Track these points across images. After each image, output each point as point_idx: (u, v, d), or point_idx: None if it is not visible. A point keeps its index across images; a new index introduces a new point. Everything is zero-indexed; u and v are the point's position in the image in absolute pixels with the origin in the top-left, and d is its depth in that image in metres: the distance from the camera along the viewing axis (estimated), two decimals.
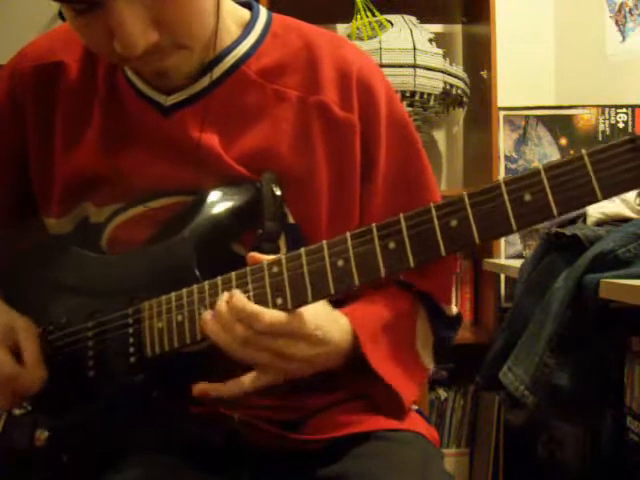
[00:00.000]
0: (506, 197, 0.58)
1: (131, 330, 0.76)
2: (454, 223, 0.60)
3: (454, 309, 0.91)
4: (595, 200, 0.54)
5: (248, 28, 0.85)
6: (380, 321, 0.81)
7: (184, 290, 0.73)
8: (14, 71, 0.87)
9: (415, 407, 0.91)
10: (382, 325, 0.81)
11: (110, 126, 0.83)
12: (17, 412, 0.81)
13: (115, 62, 0.81)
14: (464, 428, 2.02)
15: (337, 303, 0.77)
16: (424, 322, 0.88)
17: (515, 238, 1.94)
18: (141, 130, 0.82)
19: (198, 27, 0.75)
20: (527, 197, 0.57)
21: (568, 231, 1.21)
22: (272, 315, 0.67)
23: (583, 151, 0.55)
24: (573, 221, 1.32)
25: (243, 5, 0.88)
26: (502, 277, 1.99)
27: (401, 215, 0.63)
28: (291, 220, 0.82)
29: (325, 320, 0.72)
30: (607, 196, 0.53)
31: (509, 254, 1.96)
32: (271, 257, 0.70)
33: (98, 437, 0.78)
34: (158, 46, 0.72)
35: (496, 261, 1.88)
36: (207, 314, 0.69)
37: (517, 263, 1.50)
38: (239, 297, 0.68)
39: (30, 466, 0.80)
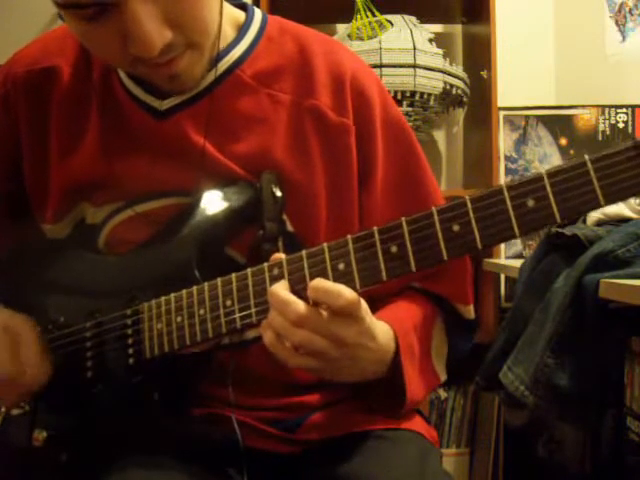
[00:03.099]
0: (509, 202, 0.57)
1: (130, 331, 0.76)
2: (456, 228, 0.59)
3: (472, 311, 0.90)
4: (597, 206, 0.54)
5: (243, 31, 0.85)
6: (414, 332, 0.80)
7: (184, 291, 0.73)
8: (6, 76, 0.86)
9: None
10: (417, 338, 0.80)
11: (107, 130, 0.82)
12: (15, 412, 0.81)
13: (125, 68, 0.80)
14: (464, 428, 2.02)
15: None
16: (440, 332, 0.88)
17: None
18: (137, 134, 0.82)
19: (207, 23, 0.75)
20: (530, 203, 0.57)
21: (568, 231, 1.20)
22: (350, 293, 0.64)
23: (586, 157, 0.55)
24: (573, 221, 1.32)
25: (238, 7, 0.88)
26: (502, 277, 1.99)
27: (403, 219, 0.62)
28: (289, 227, 0.82)
29: (371, 318, 0.70)
30: (609, 202, 0.53)
31: (509, 254, 1.96)
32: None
33: (97, 438, 0.78)
34: (171, 46, 0.72)
35: (496, 261, 1.88)
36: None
37: (517, 263, 1.50)
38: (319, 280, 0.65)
39: (29, 466, 0.80)
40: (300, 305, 0.65)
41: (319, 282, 0.65)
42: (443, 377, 0.87)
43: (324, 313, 0.65)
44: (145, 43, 0.69)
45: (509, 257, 1.96)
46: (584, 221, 1.33)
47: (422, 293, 0.88)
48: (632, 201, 1.26)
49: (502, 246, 1.94)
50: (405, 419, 0.85)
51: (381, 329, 0.73)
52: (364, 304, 0.67)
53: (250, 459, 0.79)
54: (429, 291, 0.88)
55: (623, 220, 1.25)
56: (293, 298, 0.65)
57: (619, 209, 1.28)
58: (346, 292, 0.64)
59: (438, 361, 0.86)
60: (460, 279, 0.90)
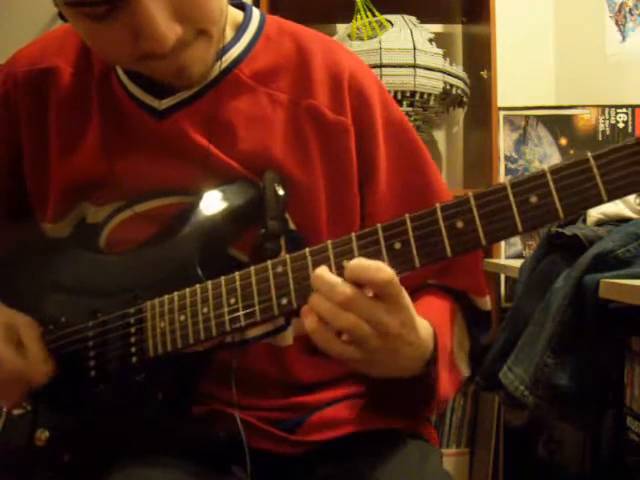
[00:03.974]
0: (512, 199, 0.57)
1: (133, 330, 0.76)
2: (460, 224, 0.60)
3: (488, 303, 0.90)
4: (600, 202, 0.55)
5: (241, 30, 0.85)
6: (447, 332, 0.78)
7: (187, 290, 0.73)
8: (7, 76, 0.86)
9: None
10: (449, 337, 0.78)
11: (107, 130, 0.82)
12: (16, 412, 0.81)
13: (131, 65, 0.79)
14: (464, 428, 2.02)
15: None
16: (462, 328, 0.87)
17: (515, 238, 1.94)
18: (137, 133, 0.82)
19: (216, 16, 0.75)
20: (533, 199, 0.57)
21: (568, 231, 1.21)
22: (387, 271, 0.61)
23: (589, 154, 0.55)
24: (573, 221, 1.32)
25: (237, 7, 0.88)
26: (502, 277, 1.99)
27: (407, 215, 0.62)
28: (291, 225, 0.82)
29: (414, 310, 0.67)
30: (612, 198, 0.54)
31: (509, 254, 1.96)
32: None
33: (99, 437, 0.78)
34: (181, 39, 0.71)
35: (496, 261, 1.88)
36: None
37: (517, 263, 1.50)
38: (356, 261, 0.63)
39: (31, 466, 0.80)
40: (348, 287, 0.61)
41: (357, 260, 0.62)
42: (466, 373, 0.84)
43: (370, 296, 0.62)
44: (158, 38, 0.69)
45: (509, 257, 1.96)
46: (584, 221, 1.33)
47: (441, 290, 0.87)
48: (632, 201, 1.26)
49: (502, 246, 1.95)
50: (405, 419, 0.85)
51: (422, 324, 0.69)
52: (405, 292, 0.64)
53: (251, 459, 0.79)
54: (447, 287, 0.87)
55: (623, 220, 1.25)
56: (340, 280, 0.62)
57: (619, 209, 1.28)
58: (386, 268, 0.61)
59: (461, 357, 0.84)
60: (475, 271, 0.89)
